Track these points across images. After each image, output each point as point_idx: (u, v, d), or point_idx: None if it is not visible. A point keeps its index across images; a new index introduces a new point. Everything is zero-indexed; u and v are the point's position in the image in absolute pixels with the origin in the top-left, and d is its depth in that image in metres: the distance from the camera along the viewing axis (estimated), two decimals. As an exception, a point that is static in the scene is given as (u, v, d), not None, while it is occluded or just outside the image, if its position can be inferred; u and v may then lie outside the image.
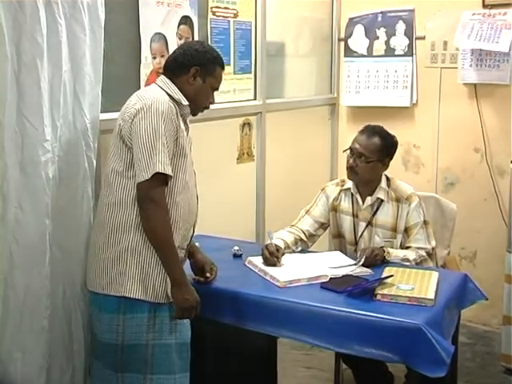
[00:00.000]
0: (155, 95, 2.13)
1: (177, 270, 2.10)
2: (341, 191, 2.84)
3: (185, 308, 2.10)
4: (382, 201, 2.74)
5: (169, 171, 2.06)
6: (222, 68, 2.29)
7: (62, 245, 2.20)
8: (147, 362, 2.13)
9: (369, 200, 2.75)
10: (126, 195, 2.11)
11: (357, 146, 2.70)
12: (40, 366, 2.13)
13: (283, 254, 2.60)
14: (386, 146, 2.72)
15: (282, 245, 2.66)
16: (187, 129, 2.25)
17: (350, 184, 2.80)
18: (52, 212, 2.13)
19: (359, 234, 2.78)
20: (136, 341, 2.12)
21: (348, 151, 2.74)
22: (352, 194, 2.80)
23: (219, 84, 2.30)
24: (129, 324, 2.12)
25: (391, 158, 2.77)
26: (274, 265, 2.52)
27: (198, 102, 2.24)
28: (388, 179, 2.78)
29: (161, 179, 2.05)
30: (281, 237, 2.73)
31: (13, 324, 2.05)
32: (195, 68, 2.19)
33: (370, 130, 2.73)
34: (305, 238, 2.81)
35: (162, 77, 2.25)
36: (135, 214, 2.09)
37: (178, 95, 2.18)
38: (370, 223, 2.77)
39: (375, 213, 2.76)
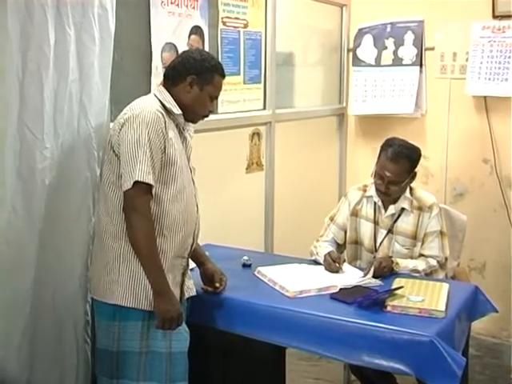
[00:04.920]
0: (145, 105, 2.12)
1: (159, 279, 2.08)
2: (363, 197, 2.85)
3: (166, 319, 2.08)
4: (404, 209, 2.75)
5: (149, 180, 2.04)
6: (222, 76, 2.26)
7: (56, 248, 2.19)
8: (140, 369, 2.14)
9: (392, 209, 2.76)
10: (117, 204, 2.12)
11: (387, 174, 2.67)
12: (23, 364, 2.11)
13: (344, 261, 2.67)
14: (414, 163, 2.73)
15: None
16: (184, 138, 2.25)
17: (372, 191, 2.80)
18: (47, 217, 2.13)
19: (379, 241, 2.79)
20: (130, 348, 2.13)
21: (375, 173, 2.73)
22: (375, 202, 2.80)
23: (218, 93, 2.28)
24: (123, 331, 2.13)
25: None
26: (337, 271, 2.57)
27: (196, 111, 2.24)
28: (411, 188, 2.79)
29: (143, 188, 2.05)
30: (330, 249, 2.74)
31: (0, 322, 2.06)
32: (191, 77, 2.18)
33: (397, 154, 2.67)
34: (335, 249, 2.83)
35: (160, 86, 2.25)
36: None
37: (170, 104, 2.17)
38: (390, 231, 2.77)
39: (396, 220, 2.77)
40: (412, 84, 3.98)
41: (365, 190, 2.86)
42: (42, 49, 2.02)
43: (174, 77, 2.21)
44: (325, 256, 2.65)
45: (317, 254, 2.73)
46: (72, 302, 2.27)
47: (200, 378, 2.34)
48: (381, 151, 2.75)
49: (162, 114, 2.12)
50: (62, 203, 2.20)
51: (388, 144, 2.74)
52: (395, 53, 4.04)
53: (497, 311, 2.56)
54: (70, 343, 2.28)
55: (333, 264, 2.60)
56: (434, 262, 2.70)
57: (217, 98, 2.30)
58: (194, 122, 2.30)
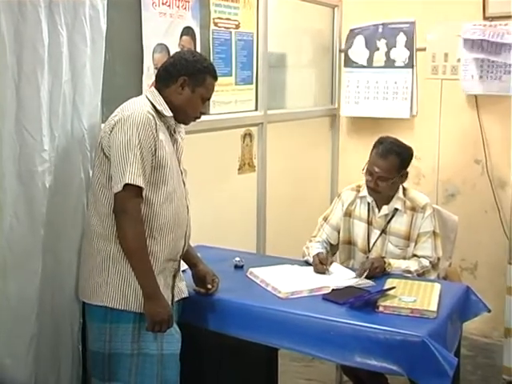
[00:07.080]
0: (136, 107, 2.12)
1: (149, 282, 2.08)
2: (356, 197, 2.85)
3: (156, 321, 2.08)
4: (397, 209, 2.76)
5: (139, 182, 2.04)
6: (214, 78, 2.25)
7: (55, 252, 2.19)
8: (131, 371, 2.14)
9: (385, 209, 2.76)
10: (107, 206, 2.11)
11: (376, 169, 2.69)
12: (30, 371, 2.11)
13: (331, 263, 2.66)
14: (404, 161, 2.74)
15: None
16: (175, 140, 2.24)
17: (365, 192, 2.81)
18: (48, 221, 2.12)
19: (372, 241, 2.79)
20: (121, 350, 2.13)
21: (365, 170, 2.74)
22: (368, 202, 2.80)
23: (210, 94, 2.27)
24: (115, 333, 2.13)
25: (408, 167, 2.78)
26: (323, 273, 2.57)
27: (187, 113, 2.23)
28: (404, 189, 2.80)
29: (133, 191, 2.04)
30: (320, 251, 2.74)
31: (4, 330, 2.05)
32: (183, 78, 2.17)
33: (387, 150, 2.69)
34: (329, 249, 2.85)
35: (152, 87, 2.25)
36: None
37: (161, 106, 2.17)
38: (383, 231, 2.78)
39: (389, 221, 2.77)
40: (406, 87, 4.00)
41: (358, 191, 2.86)
42: (36, 50, 2.01)
43: (165, 78, 2.21)
44: (313, 257, 2.66)
45: (308, 254, 2.74)
46: (69, 305, 2.27)
47: (192, 380, 2.33)
48: (373, 148, 2.77)
49: (152, 116, 2.11)
50: (60, 206, 2.19)
51: (380, 141, 2.77)
52: (387, 54, 4.04)
53: (489, 311, 2.57)
54: (66, 345, 2.27)
55: (319, 265, 2.60)
56: (426, 263, 2.71)
57: (209, 99, 2.29)
58: (186, 123, 2.29)
